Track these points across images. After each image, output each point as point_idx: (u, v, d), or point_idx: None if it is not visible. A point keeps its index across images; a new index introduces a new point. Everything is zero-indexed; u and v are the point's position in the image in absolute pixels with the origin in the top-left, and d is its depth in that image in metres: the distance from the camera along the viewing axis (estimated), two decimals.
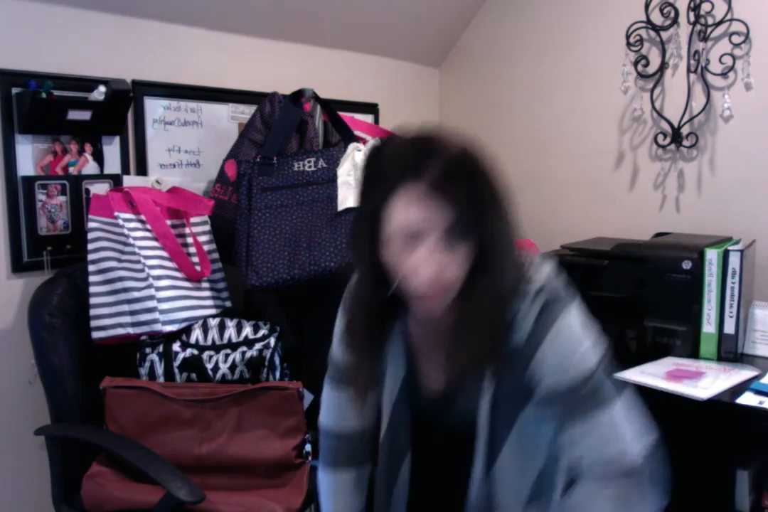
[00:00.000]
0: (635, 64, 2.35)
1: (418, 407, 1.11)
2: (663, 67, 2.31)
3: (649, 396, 1.65)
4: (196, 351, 1.72)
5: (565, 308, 0.98)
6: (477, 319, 0.95)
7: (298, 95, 2.03)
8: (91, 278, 1.70)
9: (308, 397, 1.78)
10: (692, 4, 2.22)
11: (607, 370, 0.98)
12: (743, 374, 1.81)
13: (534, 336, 0.97)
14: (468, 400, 1.05)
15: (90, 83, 1.80)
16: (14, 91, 1.70)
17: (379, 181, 0.92)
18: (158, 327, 1.68)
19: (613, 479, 0.94)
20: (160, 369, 1.70)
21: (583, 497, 0.96)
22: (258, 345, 1.74)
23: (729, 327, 1.93)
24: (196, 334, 1.74)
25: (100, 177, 1.89)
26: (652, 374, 1.80)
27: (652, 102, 2.34)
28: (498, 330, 0.96)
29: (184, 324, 1.74)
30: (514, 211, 0.94)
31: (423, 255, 0.90)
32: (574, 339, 0.98)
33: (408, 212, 0.89)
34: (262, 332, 1.76)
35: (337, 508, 1.22)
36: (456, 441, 1.10)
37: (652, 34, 2.32)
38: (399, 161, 0.91)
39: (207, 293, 1.85)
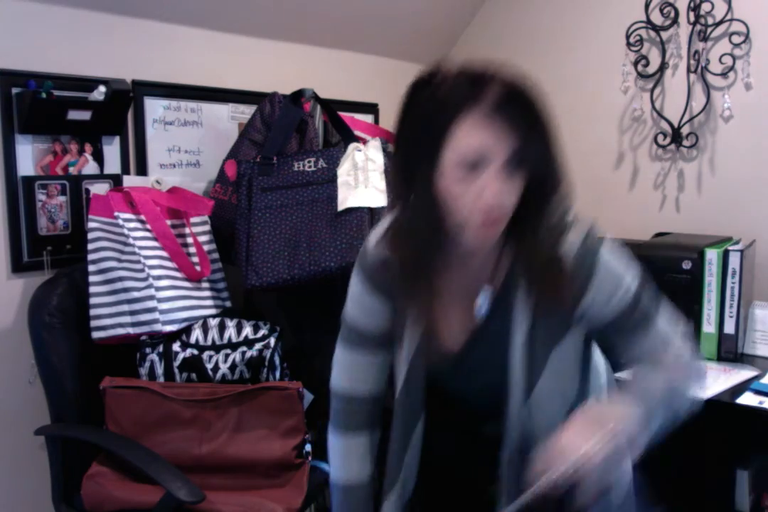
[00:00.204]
0: (635, 64, 2.35)
1: (432, 368, 1.10)
2: (663, 67, 2.31)
3: None
4: (196, 351, 1.72)
5: (603, 239, 1.02)
6: (538, 251, 0.98)
7: (298, 95, 2.02)
8: (91, 278, 1.69)
9: (308, 397, 1.78)
10: (692, 4, 2.22)
11: (646, 289, 1.04)
12: (743, 374, 1.81)
13: (582, 268, 0.99)
14: (493, 348, 1.05)
15: (90, 83, 1.80)
16: (14, 91, 1.69)
17: (435, 110, 0.91)
18: (158, 327, 1.68)
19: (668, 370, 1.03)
20: (160, 369, 1.70)
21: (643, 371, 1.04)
22: (258, 345, 1.74)
23: (729, 327, 1.93)
24: (196, 334, 1.74)
25: (100, 177, 1.89)
26: None
27: (652, 102, 2.34)
28: (559, 261, 0.98)
29: (184, 324, 1.74)
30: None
31: (486, 181, 0.90)
32: (619, 269, 1.02)
33: (472, 138, 0.89)
34: (262, 332, 1.76)
35: (347, 471, 1.20)
36: (472, 402, 1.11)
37: (652, 34, 2.32)
38: (456, 89, 0.91)
39: (207, 293, 1.85)
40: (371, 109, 2.61)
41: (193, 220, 1.88)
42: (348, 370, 1.19)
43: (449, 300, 1.07)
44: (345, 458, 1.20)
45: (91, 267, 1.70)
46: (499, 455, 1.07)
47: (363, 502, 1.19)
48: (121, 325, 1.68)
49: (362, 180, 1.87)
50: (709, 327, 1.95)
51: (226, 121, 2.17)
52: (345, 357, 1.18)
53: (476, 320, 1.06)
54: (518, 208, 0.96)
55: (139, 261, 1.69)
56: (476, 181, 0.91)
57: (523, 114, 0.90)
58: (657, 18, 2.30)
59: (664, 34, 2.29)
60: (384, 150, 1.95)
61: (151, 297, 1.68)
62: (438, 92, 0.92)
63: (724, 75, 2.19)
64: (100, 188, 1.87)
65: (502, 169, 0.90)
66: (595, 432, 0.88)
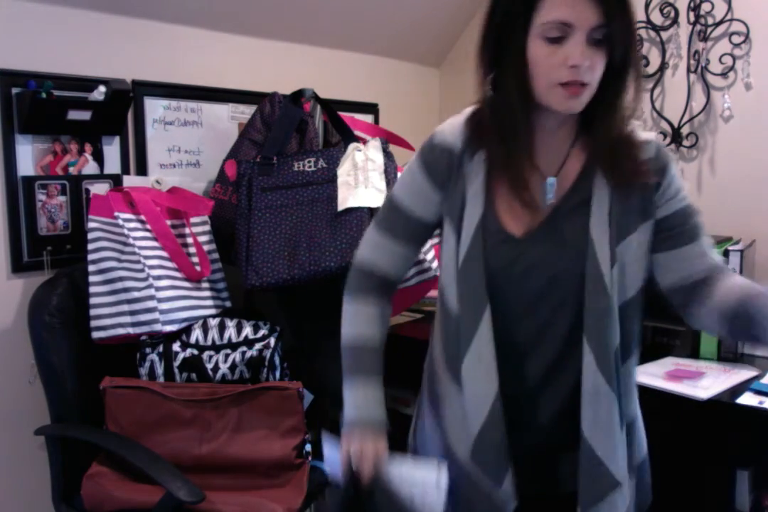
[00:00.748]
0: None
1: (492, 255, 1.10)
2: (663, 67, 2.31)
3: (649, 396, 1.65)
4: (196, 351, 1.72)
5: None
6: (618, 134, 1.08)
7: (298, 95, 2.03)
8: (91, 278, 1.69)
9: (308, 397, 1.78)
10: (692, 4, 2.22)
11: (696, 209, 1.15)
12: (743, 374, 1.81)
13: (660, 157, 1.10)
14: (566, 232, 1.08)
15: (90, 83, 1.80)
16: (14, 91, 1.70)
17: None
18: (158, 327, 1.68)
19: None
20: (160, 369, 1.70)
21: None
22: (258, 345, 1.74)
23: None
24: (196, 334, 1.74)
25: (100, 177, 1.89)
26: (652, 374, 1.80)
27: (652, 102, 2.34)
28: (637, 145, 1.09)
29: (184, 324, 1.74)
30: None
31: (574, 44, 1.00)
32: (680, 175, 1.13)
33: (562, 5, 1.00)
34: (262, 332, 1.76)
35: (356, 330, 1.20)
36: (538, 294, 1.09)
37: (652, 34, 2.32)
38: None
39: (207, 293, 1.85)
40: (371, 109, 2.61)
41: (193, 220, 1.88)
42: (374, 249, 1.21)
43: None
44: (354, 319, 1.21)
45: (91, 268, 1.70)
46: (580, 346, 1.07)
47: (372, 362, 1.18)
48: (121, 325, 1.68)
49: (362, 180, 1.87)
50: None
51: (226, 121, 2.17)
52: (375, 238, 1.21)
53: (542, 208, 1.09)
54: (597, 94, 1.05)
55: (139, 262, 1.69)
56: (564, 45, 1.01)
57: None
58: (657, 18, 2.30)
59: (664, 34, 2.29)
60: (384, 150, 1.95)
61: (151, 297, 1.68)
62: None
63: (724, 75, 2.19)
64: (100, 188, 1.87)
65: (588, 36, 1.00)
66: None
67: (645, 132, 1.12)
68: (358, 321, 1.20)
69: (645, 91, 2.36)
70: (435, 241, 1.69)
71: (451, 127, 1.15)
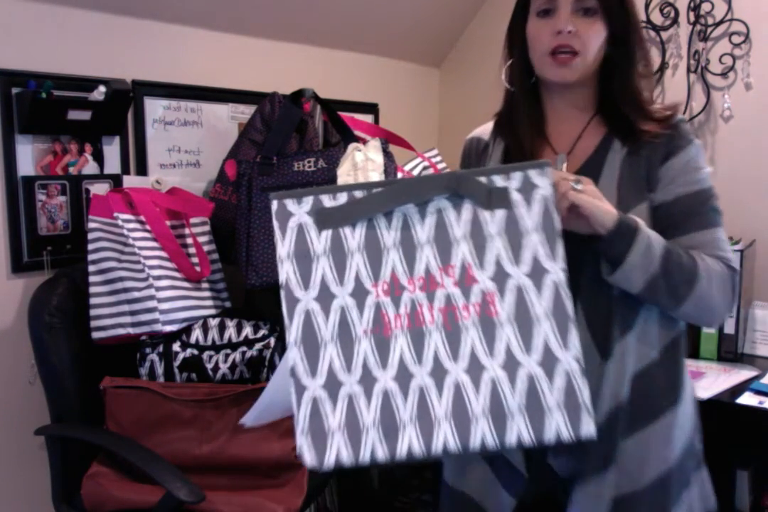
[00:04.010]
0: None
1: None
2: (663, 67, 2.31)
3: None
4: (196, 351, 1.72)
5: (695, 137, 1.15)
6: (623, 90, 1.14)
7: (298, 95, 2.03)
8: (91, 278, 1.69)
9: None
10: (692, 4, 2.22)
11: (714, 198, 1.12)
12: (743, 374, 1.81)
13: (679, 133, 1.12)
14: None
15: (90, 83, 1.80)
16: (14, 91, 1.69)
17: None
18: (158, 327, 1.68)
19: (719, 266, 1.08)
20: (160, 369, 1.70)
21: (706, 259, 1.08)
22: (258, 345, 1.74)
23: (729, 327, 1.93)
24: (196, 334, 1.74)
25: (100, 177, 1.89)
26: None
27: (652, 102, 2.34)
28: (642, 102, 1.14)
29: (184, 325, 1.74)
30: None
31: (559, 13, 1.10)
32: (702, 162, 1.13)
33: None
34: (262, 332, 1.76)
35: None
36: None
37: (652, 34, 2.32)
38: None
39: (207, 293, 1.85)
40: (371, 109, 2.61)
41: (192, 220, 1.88)
42: None
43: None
44: None
45: (91, 268, 1.70)
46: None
47: None
48: (121, 325, 1.68)
49: (362, 180, 1.87)
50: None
51: (226, 121, 2.17)
52: None
53: None
54: (608, 70, 1.14)
55: (139, 262, 1.69)
56: (553, 17, 1.11)
57: None
58: (657, 18, 2.30)
59: (664, 34, 2.29)
60: (384, 150, 1.95)
61: (151, 298, 1.68)
62: None
63: (724, 75, 2.20)
64: (100, 188, 1.87)
65: (573, 6, 1.09)
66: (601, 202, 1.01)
67: (675, 112, 1.16)
68: None
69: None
70: None
71: (480, 127, 1.29)
